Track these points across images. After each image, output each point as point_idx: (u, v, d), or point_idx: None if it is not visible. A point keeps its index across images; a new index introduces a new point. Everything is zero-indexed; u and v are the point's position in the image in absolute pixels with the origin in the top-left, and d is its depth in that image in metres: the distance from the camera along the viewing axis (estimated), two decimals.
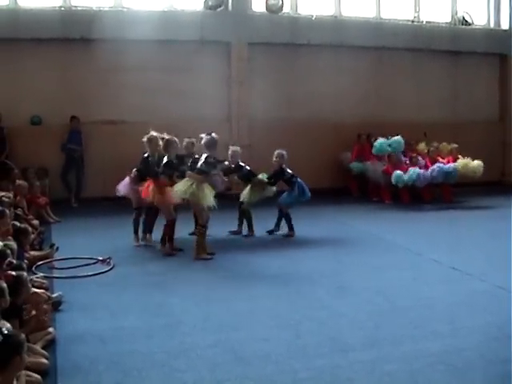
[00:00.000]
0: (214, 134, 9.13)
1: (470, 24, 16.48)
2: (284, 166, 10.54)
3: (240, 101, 14.54)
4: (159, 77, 14.02)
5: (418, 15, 16.00)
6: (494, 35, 16.77)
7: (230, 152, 10.52)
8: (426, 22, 16.07)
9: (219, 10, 14.35)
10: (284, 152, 10.46)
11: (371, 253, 9.51)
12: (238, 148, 10.70)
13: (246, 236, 10.67)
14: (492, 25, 17.07)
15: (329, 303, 6.99)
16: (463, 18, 16.40)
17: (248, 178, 10.52)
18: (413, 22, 15.95)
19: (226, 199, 9.80)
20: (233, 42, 14.46)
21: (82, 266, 8.29)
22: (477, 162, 13.91)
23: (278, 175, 10.52)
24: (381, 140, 13.92)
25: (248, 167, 10.58)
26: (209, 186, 9.04)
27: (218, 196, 9.23)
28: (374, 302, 7.05)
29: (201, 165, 9.01)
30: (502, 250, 9.51)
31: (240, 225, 10.77)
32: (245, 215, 10.69)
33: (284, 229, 10.78)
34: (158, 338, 5.84)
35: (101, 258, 8.52)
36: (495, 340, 5.95)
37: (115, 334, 5.91)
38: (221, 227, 10.66)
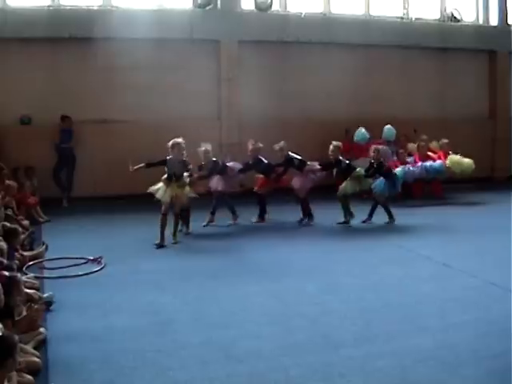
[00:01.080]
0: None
1: (459, 21, 16.51)
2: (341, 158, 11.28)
3: (230, 99, 14.54)
4: (149, 75, 13.99)
5: (407, 12, 16.02)
6: (483, 32, 16.81)
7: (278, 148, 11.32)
8: (415, 19, 16.08)
9: (208, 8, 14.33)
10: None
11: (362, 249, 9.54)
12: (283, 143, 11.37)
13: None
14: (481, 21, 17.10)
15: (320, 299, 7.00)
16: (452, 14, 16.43)
17: (347, 172, 11.25)
18: (402, 19, 15.97)
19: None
20: (222, 40, 14.45)
21: (73, 265, 8.25)
22: (467, 161, 13.93)
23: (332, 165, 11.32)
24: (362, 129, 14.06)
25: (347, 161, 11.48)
26: None
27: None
28: (365, 298, 7.06)
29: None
30: (493, 246, 9.54)
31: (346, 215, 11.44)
32: (343, 205, 11.38)
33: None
34: (149, 336, 5.84)
35: (92, 258, 8.50)
36: (486, 335, 5.97)
37: (106, 333, 5.91)
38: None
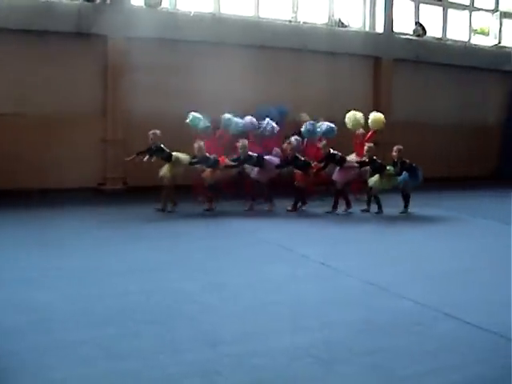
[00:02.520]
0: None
1: (346, 26, 16.87)
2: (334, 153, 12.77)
3: (116, 95, 14.33)
4: (33, 69, 13.63)
5: (296, 16, 16.24)
6: (369, 38, 17.26)
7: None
8: (304, 22, 16.33)
9: (97, 2, 14.09)
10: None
11: (243, 249, 9.60)
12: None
13: (376, 213, 12.85)
14: (367, 28, 17.56)
15: (200, 298, 7.00)
16: (340, 20, 16.79)
17: (379, 169, 12.74)
18: (290, 22, 16.18)
19: None
20: (110, 35, 14.22)
21: None
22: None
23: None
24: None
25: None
26: None
27: None
28: (246, 297, 7.12)
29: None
30: (372, 245, 9.81)
31: (368, 204, 13.05)
32: (375, 198, 12.84)
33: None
34: (27, 336, 5.69)
35: None
36: (362, 333, 6.13)
37: None
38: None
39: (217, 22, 15.10)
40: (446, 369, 5.41)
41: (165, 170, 12.28)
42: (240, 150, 12.51)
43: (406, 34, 18.13)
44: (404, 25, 18.19)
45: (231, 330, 6.06)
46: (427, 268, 8.82)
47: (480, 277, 8.54)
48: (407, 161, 12.81)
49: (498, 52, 19.73)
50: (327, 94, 16.47)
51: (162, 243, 9.85)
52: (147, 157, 12.14)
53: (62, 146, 13.65)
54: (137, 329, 6.01)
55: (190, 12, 14.87)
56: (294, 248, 9.57)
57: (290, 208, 12.87)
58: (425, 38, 18.21)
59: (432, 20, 18.63)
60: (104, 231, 10.62)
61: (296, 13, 16.24)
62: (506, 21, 19.84)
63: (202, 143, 12.37)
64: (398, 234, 11.43)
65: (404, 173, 12.71)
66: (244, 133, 13.80)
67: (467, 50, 19.06)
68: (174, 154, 12.33)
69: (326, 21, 16.80)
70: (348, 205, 12.90)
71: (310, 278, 8.04)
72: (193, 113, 13.12)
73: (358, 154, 13.90)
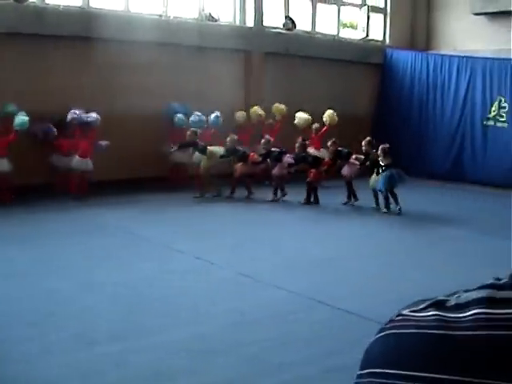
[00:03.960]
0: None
1: (216, 20, 16.92)
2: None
3: None
4: None
5: (166, 10, 16.15)
6: (239, 32, 17.38)
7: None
8: (174, 17, 16.27)
9: None
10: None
11: (117, 246, 9.50)
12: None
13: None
14: (238, 22, 17.67)
15: (75, 298, 6.92)
16: (210, 14, 16.81)
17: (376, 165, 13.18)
18: (160, 16, 16.07)
19: None
20: None
21: None
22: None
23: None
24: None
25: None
26: None
27: None
28: (121, 294, 7.09)
29: None
30: (245, 238, 9.94)
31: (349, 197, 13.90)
32: (392, 195, 12.86)
33: None
34: None
35: None
36: (236, 325, 6.23)
37: None
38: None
39: (86, 16, 14.76)
40: (322, 355, 5.57)
41: (202, 161, 14.03)
42: (228, 144, 14.13)
43: (276, 28, 18.36)
44: (274, 19, 18.40)
45: (108, 328, 6.04)
46: (300, 258, 9.04)
47: (351, 264, 8.82)
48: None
49: (366, 45, 20.30)
50: (199, 88, 16.42)
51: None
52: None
53: None
54: (12, 333, 5.87)
55: (59, 6, 14.49)
56: (169, 244, 9.56)
57: (303, 201, 13.80)
58: (295, 31, 18.49)
59: (302, 14, 18.92)
60: None
61: (166, 7, 16.12)
62: (373, 15, 20.42)
63: (234, 136, 14.29)
64: (277, 224, 11.61)
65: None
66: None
67: (336, 43, 19.50)
68: (208, 147, 13.99)
69: (196, 15, 16.77)
70: (354, 197, 13.83)
71: (184, 273, 8.07)
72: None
73: (315, 148, 15.77)
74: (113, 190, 13.49)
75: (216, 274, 8.04)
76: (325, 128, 16.23)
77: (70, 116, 13.38)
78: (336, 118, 16.51)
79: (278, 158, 13.99)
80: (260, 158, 14.23)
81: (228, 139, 14.12)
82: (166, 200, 13.52)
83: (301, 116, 16.51)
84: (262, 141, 14.43)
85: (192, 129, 14.26)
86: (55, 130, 13.47)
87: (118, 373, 5.10)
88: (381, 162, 12.84)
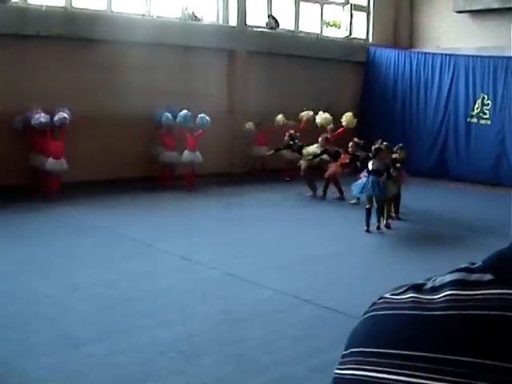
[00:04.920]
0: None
1: (199, 20, 16.91)
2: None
3: None
4: None
5: (149, 10, 16.12)
6: (223, 31, 17.37)
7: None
8: (157, 16, 16.24)
9: None
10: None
11: (101, 246, 9.44)
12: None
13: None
14: (221, 21, 17.67)
15: (59, 299, 6.89)
16: (193, 13, 16.79)
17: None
18: (144, 16, 16.04)
19: None
20: None
21: None
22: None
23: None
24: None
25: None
26: None
27: None
28: (105, 295, 7.06)
29: None
30: (231, 238, 9.93)
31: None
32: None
33: None
34: None
35: None
36: (224, 324, 6.23)
37: None
38: None
39: (69, 16, 14.69)
40: (308, 353, 5.57)
41: (302, 163, 14.58)
42: (321, 143, 14.19)
43: (260, 27, 18.37)
44: (257, 18, 18.41)
45: (93, 329, 6.01)
46: (287, 256, 9.04)
47: (335, 263, 8.84)
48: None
49: (350, 43, 20.36)
50: (182, 88, 16.41)
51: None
52: (284, 151, 15.55)
53: None
54: None
55: (42, 6, 14.41)
56: (153, 243, 9.53)
57: (336, 196, 14.26)
58: (278, 30, 18.52)
59: (285, 13, 18.94)
60: None
61: (149, 6, 16.09)
62: (356, 13, 20.46)
63: (325, 136, 14.45)
64: (261, 222, 11.60)
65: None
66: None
67: (319, 41, 19.53)
68: (304, 148, 14.58)
69: (179, 15, 16.75)
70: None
71: (169, 273, 8.05)
72: None
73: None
74: (98, 191, 13.44)
75: (201, 274, 8.02)
76: (341, 129, 16.41)
77: (35, 117, 13.32)
78: (354, 121, 16.75)
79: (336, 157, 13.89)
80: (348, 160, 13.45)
81: (320, 139, 14.24)
82: (153, 200, 13.48)
83: (323, 116, 16.84)
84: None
85: (290, 131, 15.35)
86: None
87: (105, 373, 5.08)
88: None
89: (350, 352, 0.82)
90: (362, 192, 11.33)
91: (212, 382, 5.05)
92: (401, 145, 12.37)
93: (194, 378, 5.06)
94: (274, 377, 5.13)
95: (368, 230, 10.92)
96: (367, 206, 11.00)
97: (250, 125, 17.12)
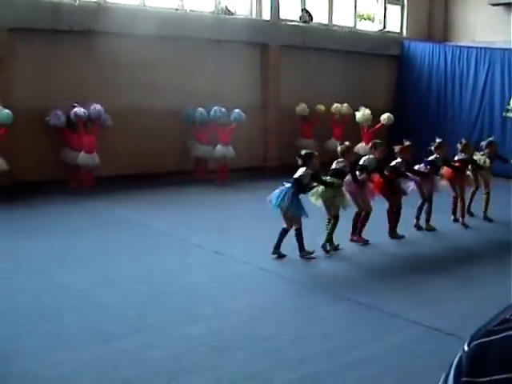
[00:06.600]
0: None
1: (232, 14, 16.88)
2: None
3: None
4: None
5: (182, 4, 16.12)
6: (255, 25, 17.32)
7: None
8: (190, 10, 16.24)
9: None
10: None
11: (134, 240, 9.47)
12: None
13: None
14: (254, 15, 17.62)
15: (92, 293, 6.93)
16: (226, 7, 16.77)
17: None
18: (177, 10, 16.04)
19: None
20: None
21: None
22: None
23: None
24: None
25: None
26: None
27: None
28: (137, 289, 7.07)
29: None
30: (264, 232, 9.89)
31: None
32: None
33: None
34: None
35: None
36: (256, 319, 6.20)
37: None
38: None
39: (102, 11, 14.75)
40: (340, 350, 5.53)
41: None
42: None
43: (293, 21, 18.29)
44: (291, 11, 18.33)
45: (125, 323, 6.03)
46: (320, 251, 8.95)
47: (367, 257, 8.71)
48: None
49: (383, 37, 20.20)
50: (215, 82, 16.42)
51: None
52: None
53: None
54: (28, 327, 5.88)
55: (76, 2, 14.47)
56: (186, 237, 9.54)
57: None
58: (311, 24, 18.41)
59: (318, 6, 18.84)
60: None
61: (182, 1, 16.09)
62: (390, 6, 20.32)
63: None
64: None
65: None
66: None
67: (353, 35, 19.40)
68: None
69: (212, 9, 16.73)
70: None
71: (201, 267, 8.05)
72: None
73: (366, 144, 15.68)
74: (131, 185, 13.49)
75: (234, 268, 8.00)
76: (379, 125, 16.95)
77: (73, 111, 13.42)
78: (392, 118, 17.27)
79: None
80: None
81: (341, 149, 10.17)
82: (185, 194, 13.49)
83: (365, 112, 17.12)
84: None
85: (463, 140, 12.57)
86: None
87: (136, 368, 5.08)
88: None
89: (489, 381, 0.75)
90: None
91: (243, 378, 5.03)
92: (465, 140, 12.54)
93: (225, 373, 5.04)
94: (305, 373, 5.09)
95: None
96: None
97: (302, 107, 17.28)
